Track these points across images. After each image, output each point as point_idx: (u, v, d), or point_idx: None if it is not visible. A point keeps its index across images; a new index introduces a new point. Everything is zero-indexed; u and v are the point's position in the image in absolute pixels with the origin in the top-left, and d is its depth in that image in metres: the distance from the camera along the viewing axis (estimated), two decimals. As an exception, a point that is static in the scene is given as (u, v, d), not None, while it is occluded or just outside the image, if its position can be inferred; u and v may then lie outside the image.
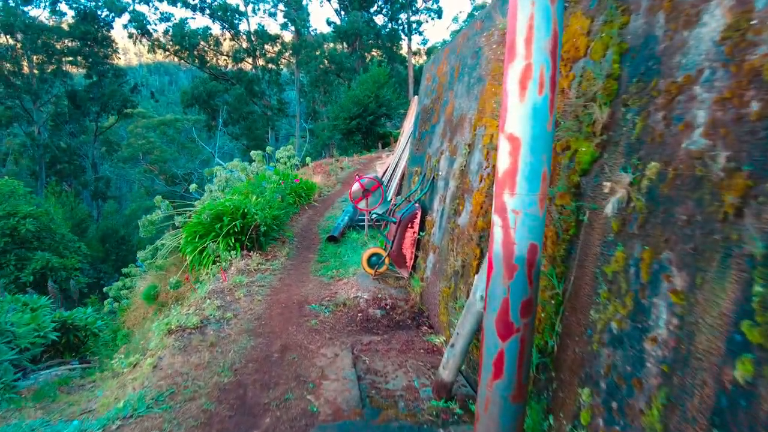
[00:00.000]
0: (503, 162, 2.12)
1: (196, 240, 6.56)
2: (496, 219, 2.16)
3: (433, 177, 4.98)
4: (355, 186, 7.41)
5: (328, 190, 13.57)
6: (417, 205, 5.05)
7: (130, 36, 35.07)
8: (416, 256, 5.09)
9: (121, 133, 50.34)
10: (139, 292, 9.21)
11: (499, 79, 3.60)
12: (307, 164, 13.42)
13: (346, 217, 8.53)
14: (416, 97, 11.52)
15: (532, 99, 2.04)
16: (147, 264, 7.15)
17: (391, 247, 5.05)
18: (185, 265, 6.76)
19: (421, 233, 5.00)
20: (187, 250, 6.70)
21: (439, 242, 4.47)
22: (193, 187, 8.16)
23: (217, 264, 6.30)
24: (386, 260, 5.20)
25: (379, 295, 4.77)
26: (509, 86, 2.11)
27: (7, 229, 11.65)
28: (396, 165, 10.12)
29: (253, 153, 10.23)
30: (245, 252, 6.51)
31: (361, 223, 8.32)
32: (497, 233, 2.15)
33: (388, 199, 8.64)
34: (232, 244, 6.37)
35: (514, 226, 2.09)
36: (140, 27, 34.61)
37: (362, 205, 7.50)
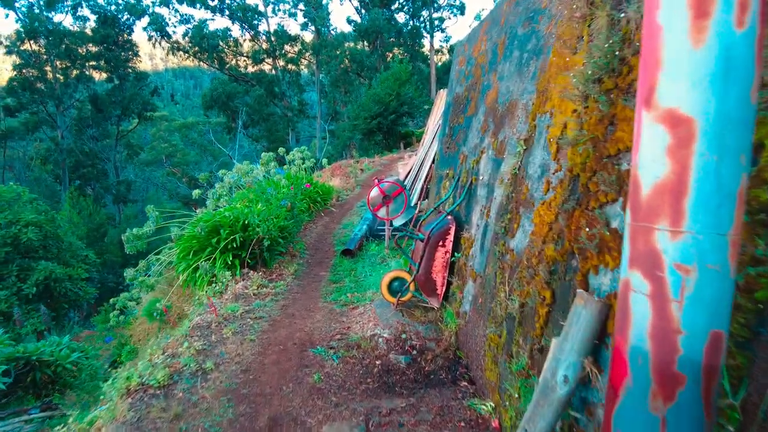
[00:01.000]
0: (654, 167, 1.07)
1: (190, 256, 5.66)
2: (635, 279, 1.11)
3: (470, 182, 3.93)
4: (374, 191, 6.40)
5: (347, 194, 12.61)
6: (450, 217, 4.00)
7: (150, 38, 34.88)
8: (449, 283, 4.04)
9: (146, 137, 50.66)
10: (144, 305, 8.45)
11: (572, 45, 2.54)
12: (324, 166, 12.48)
13: (365, 226, 7.53)
14: (442, 90, 10.46)
15: (722, 38, 0.98)
16: (138, 282, 6.30)
17: (418, 271, 4.02)
18: (176, 286, 5.88)
19: (456, 254, 3.95)
20: (179, 268, 5.80)
21: (482, 269, 3.42)
22: (196, 192, 7.30)
23: (214, 285, 5.38)
24: (411, 286, 4.16)
25: (403, 334, 3.74)
26: (663, 16, 1.05)
27: (8, 238, 11.05)
28: (420, 166, 9.07)
29: (263, 155, 9.32)
30: (246, 270, 5.57)
31: (382, 233, 7.31)
32: (639, 307, 1.10)
33: (413, 205, 7.61)
34: (230, 262, 5.43)
35: (679, 296, 1.04)
36: (159, 29, 34.38)
37: (382, 213, 6.49)
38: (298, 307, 4.67)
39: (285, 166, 10.28)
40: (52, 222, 12.78)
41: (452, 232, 3.95)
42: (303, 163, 10.25)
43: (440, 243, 3.97)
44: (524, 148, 2.97)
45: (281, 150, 9.72)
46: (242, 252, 5.59)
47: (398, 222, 6.85)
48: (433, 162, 8.56)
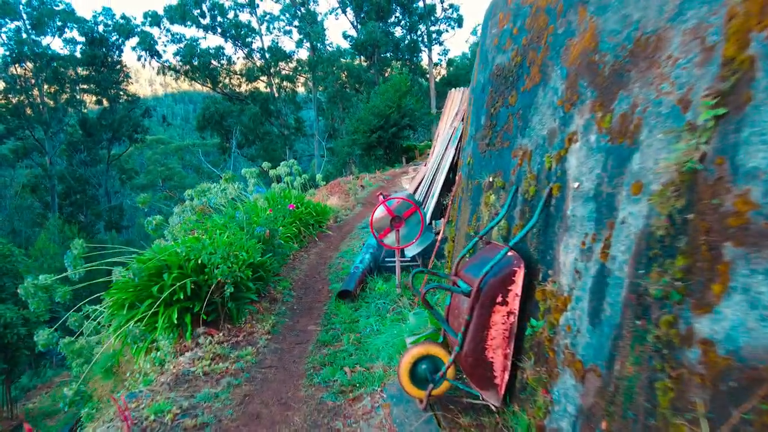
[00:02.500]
0: None
1: (124, 312, 4.01)
2: None
3: (549, 193, 2.29)
4: (379, 211, 4.78)
5: (346, 214, 11.00)
6: (513, 254, 2.35)
7: (139, 58, 33.70)
8: (517, 366, 2.38)
9: (142, 161, 49.42)
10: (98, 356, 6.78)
11: None
12: (319, 184, 10.86)
13: (367, 256, 5.88)
14: (454, 90, 8.93)
15: None
16: (62, 346, 4.62)
17: (462, 346, 2.36)
18: (103, 351, 4.21)
19: (534, 322, 2.29)
20: (111, 328, 4.16)
21: (601, 358, 1.77)
22: (151, 220, 5.68)
23: (155, 353, 3.73)
24: (449, 371, 2.49)
25: (445, 471, 2.06)
26: None
27: (-52, 279, 9.44)
28: (433, 178, 7.46)
29: (244, 171, 7.74)
30: (201, 330, 3.92)
31: (390, 264, 5.66)
32: None
33: (431, 226, 5.98)
34: (175, 321, 3.77)
35: None
36: (149, 48, 33.18)
37: (390, 240, 4.86)
38: (268, 396, 2.99)
39: (273, 184, 8.67)
40: (7, 257, 11.17)
41: (520, 279, 2.31)
42: (293, 180, 8.65)
43: (498, 298, 2.32)
44: (717, 113, 1.34)
45: (266, 164, 8.11)
46: (195, 304, 3.94)
47: (412, 251, 5.21)
48: (450, 172, 6.96)
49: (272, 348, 3.80)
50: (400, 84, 23.75)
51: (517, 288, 2.32)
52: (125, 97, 37.75)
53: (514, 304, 2.33)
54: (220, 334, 3.89)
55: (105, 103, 36.15)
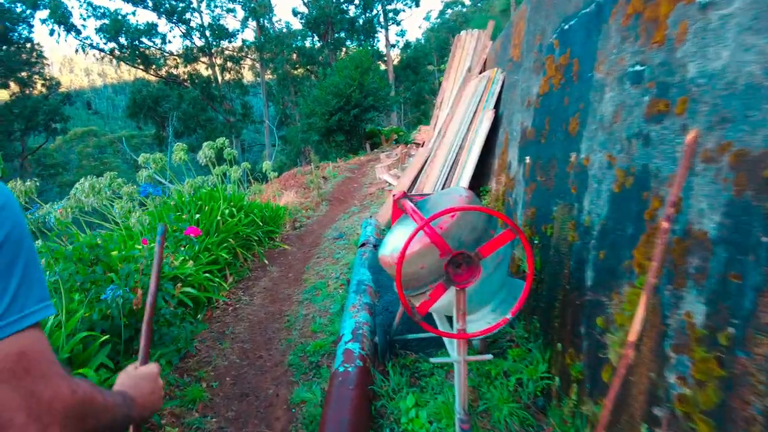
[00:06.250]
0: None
1: None
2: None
3: None
4: (414, 244, 1.87)
5: (308, 216, 8.00)
6: None
7: (52, 33, 28.71)
8: None
9: (73, 156, 43.91)
10: None
11: None
12: (269, 178, 7.80)
13: (364, 316, 2.99)
14: (465, 33, 6.11)
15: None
16: None
17: None
18: None
19: None
20: None
21: None
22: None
23: None
24: None
25: None
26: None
27: None
28: (453, 163, 4.60)
29: (142, 157, 4.65)
30: None
31: (414, 340, 2.78)
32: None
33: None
34: None
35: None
36: (62, 21, 28.25)
37: (442, 307, 1.99)
38: None
39: (205, 179, 5.51)
40: None
41: None
42: (227, 170, 5.59)
43: None
44: None
45: (179, 147, 5.02)
46: None
47: (481, 322, 2.33)
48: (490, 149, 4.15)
49: None
50: (362, 59, 20.67)
51: None
52: (41, 82, 32.60)
53: None
54: None
55: (14, 87, 30.90)
